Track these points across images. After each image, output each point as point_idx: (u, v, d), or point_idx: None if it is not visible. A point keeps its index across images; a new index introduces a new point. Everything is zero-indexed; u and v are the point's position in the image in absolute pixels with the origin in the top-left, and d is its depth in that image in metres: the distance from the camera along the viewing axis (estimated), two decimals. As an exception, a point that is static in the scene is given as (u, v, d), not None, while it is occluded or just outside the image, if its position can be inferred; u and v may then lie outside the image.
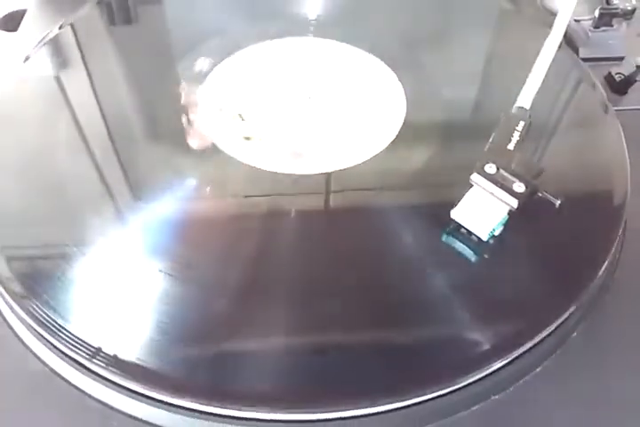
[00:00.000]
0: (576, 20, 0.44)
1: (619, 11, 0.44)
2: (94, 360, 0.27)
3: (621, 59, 0.43)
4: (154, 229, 0.32)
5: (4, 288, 0.30)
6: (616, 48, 0.44)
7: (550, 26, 0.39)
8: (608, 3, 0.45)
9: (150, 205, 0.33)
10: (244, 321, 0.28)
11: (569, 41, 0.43)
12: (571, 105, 0.38)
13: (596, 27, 0.44)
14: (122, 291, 0.29)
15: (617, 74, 0.41)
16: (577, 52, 0.43)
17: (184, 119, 0.37)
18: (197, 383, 0.27)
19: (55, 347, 0.28)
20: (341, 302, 0.29)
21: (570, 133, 0.36)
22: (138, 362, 0.27)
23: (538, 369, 0.29)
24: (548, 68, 0.35)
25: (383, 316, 0.29)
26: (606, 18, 0.44)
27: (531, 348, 0.28)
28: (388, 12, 0.44)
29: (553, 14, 0.45)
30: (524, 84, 0.35)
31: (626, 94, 0.41)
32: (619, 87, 0.41)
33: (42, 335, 0.28)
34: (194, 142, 0.36)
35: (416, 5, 0.45)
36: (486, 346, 0.28)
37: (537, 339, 0.28)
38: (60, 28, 0.42)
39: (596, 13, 0.44)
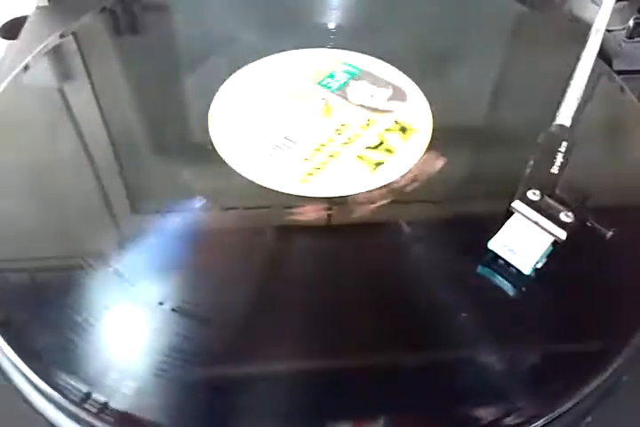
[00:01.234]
0: (608, 31, 0.41)
1: (654, 20, 0.42)
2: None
3: (656, 71, 0.41)
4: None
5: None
6: (651, 60, 0.41)
7: (580, 35, 0.37)
8: (641, 12, 0.43)
9: (149, 223, 0.31)
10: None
11: (601, 52, 0.41)
12: (608, 121, 0.36)
13: (630, 37, 0.42)
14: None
15: (655, 88, 0.39)
16: (610, 63, 0.41)
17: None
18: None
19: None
20: (361, 342, 0.27)
21: (612, 153, 0.34)
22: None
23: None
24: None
25: (406, 355, 0.26)
26: (640, 28, 0.42)
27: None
28: (406, 24, 0.41)
29: (582, 23, 0.44)
30: (556, 97, 0.33)
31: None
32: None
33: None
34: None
35: (440, 16, 0.42)
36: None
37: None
38: (62, 36, 0.40)
39: (631, 23, 0.42)
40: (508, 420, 0.24)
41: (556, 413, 0.25)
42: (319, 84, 0.36)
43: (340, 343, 0.26)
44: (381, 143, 0.33)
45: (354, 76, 0.37)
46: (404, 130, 0.34)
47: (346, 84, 0.36)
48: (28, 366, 0.25)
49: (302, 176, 0.32)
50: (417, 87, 0.36)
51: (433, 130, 0.34)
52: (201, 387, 0.25)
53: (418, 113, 0.35)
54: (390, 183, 0.32)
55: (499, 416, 0.24)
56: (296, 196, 0.31)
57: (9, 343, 0.26)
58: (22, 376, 0.25)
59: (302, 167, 0.32)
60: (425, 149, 0.33)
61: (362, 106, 0.35)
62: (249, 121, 0.34)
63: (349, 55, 0.38)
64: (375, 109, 0.35)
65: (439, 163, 0.32)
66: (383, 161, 0.32)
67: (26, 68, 0.38)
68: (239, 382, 0.26)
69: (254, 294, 0.28)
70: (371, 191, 0.31)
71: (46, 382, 0.24)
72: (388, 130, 0.34)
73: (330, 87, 0.36)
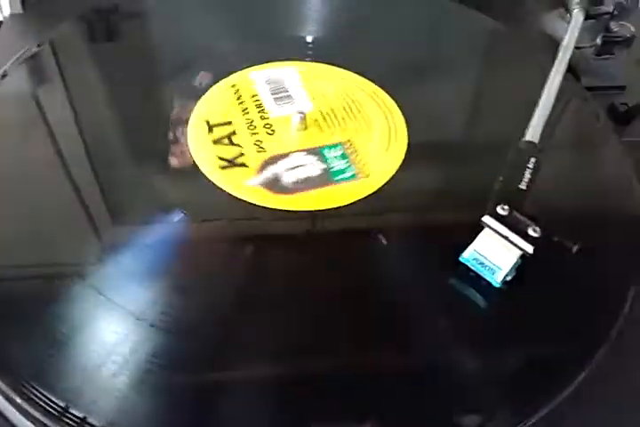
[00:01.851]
0: (577, 48, 0.42)
1: (621, 38, 0.43)
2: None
3: (623, 88, 0.42)
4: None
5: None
6: (618, 76, 0.43)
7: (549, 50, 0.38)
8: (608, 30, 0.44)
9: (129, 233, 0.31)
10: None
11: (570, 69, 0.42)
12: (576, 138, 0.37)
13: (598, 54, 0.43)
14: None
15: (621, 104, 0.40)
16: (579, 80, 0.42)
17: (170, 135, 0.35)
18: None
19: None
20: (333, 352, 0.27)
21: (579, 170, 0.35)
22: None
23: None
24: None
25: (377, 366, 0.27)
26: (608, 46, 0.43)
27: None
28: (384, 38, 0.42)
29: (552, 37, 0.45)
30: (526, 113, 0.34)
31: (629, 125, 0.40)
32: (622, 117, 0.40)
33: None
34: (174, 160, 0.34)
35: (413, 30, 0.43)
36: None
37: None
38: (39, 45, 0.40)
39: (599, 41, 0.43)
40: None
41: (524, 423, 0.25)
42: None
43: (315, 350, 0.27)
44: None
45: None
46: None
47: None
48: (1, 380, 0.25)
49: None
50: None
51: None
52: (179, 398, 0.26)
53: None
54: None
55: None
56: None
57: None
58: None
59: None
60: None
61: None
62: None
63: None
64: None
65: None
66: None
67: (3, 76, 0.37)
68: (219, 393, 0.26)
69: (232, 306, 0.28)
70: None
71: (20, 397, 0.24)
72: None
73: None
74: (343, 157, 0.34)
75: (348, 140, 0.35)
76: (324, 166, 0.33)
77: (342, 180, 0.33)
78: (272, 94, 0.37)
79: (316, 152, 0.34)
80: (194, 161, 0.33)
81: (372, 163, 0.34)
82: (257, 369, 0.27)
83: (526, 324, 0.28)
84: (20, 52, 0.39)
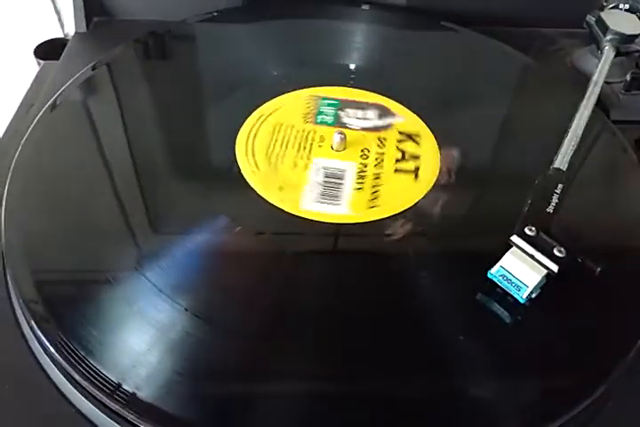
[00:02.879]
0: (607, 83, 0.44)
1: (650, 75, 0.45)
2: (114, 396, 0.26)
3: (650, 122, 0.44)
4: (180, 266, 0.32)
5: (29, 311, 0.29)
6: (646, 112, 0.44)
7: (579, 84, 0.40)
8: (638, 67, 0.46)
9: (179, 242, 0.33)
10: (267, 366, 0.28)
11: (599, 103, 0.44)
12: (602, 167, 0.39)
13: (627, 90, 0.45)
14: (146, 327, 0.29)
15: (648, 138, 0.42)
16: (607, 114, 0.44)
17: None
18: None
19: (74, 380, 0.28)
20: (359, 360, 0.29)
21: (603, 197, 0.37)
22: (155, 403, 0.26)
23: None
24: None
25: (406, 377, 0.29)
26: (637, 82, 0.45)
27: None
28: (423, 70, 0.45)
29: (581, 73, 0.47)
30: (555, 142, 0.36)
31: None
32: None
33: (61, 365, 0.28)
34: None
35: (448, 64, 0.46)
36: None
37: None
38: (94, 68, 0.43)
39: (628, 77, 0.45)
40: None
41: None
42: (317, 122, 0.39)
43: (340, 366, 0.29)
44: (404, 153, 0.37)
45: (338, 107, 0.40)
46: (411, 137, 0.38)
47: (336, 115, 0.40)
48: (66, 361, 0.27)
49: (368, 203, 0.35)
50: (394, 102, 0.40)
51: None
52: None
53: (412, 121, 0.39)
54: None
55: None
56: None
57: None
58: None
59: (363, 196, 0.35)
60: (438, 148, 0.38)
61: (364, 129, 0.39)
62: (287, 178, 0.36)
63: (319, 91, 0.41)
64: (376, 128, 0.39)
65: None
66: (418, 165, 0.37)
67: (61, 95, 0.40)
68: (251, 382, 0.28)
69: (267, 311, 0.31)
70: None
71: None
72: (400, 141, 0.38)
73: (327, 122, 0.39)
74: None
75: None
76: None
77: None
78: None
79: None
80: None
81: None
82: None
83: (549, 338, 0.30)
84: (77, 75, 0.42)
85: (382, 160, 0.37)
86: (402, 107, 0.41)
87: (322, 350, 0.29)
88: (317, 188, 0.35)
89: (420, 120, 0.40)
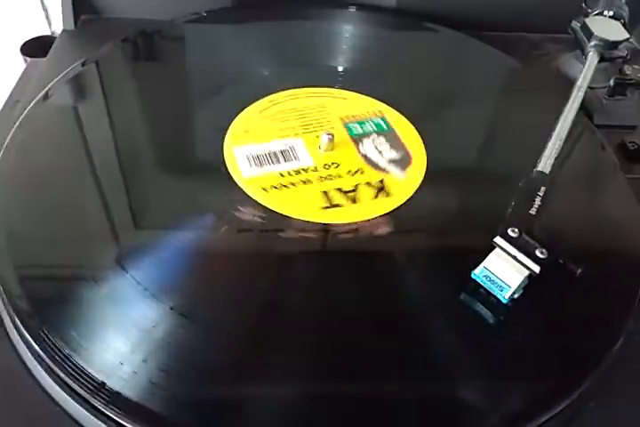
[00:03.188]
0: (591, 88, 0.45)
1: (633, 81, 0.46)
2: (96, 396, 0.26)
3: (634, 127, 0.45)
4: (167, 264, 0.32)
5: (13, 307, 0.29)
6: (629, 116, 0.45)
7: (564, 89, 0.41)
8: (622, 73, 0.47)
9: (164, 240, 0.33)
10: (253, 366, 0.28)
11: (583, 107, 0.44)
12: (585, 171, 0.40)
13: (611, 95, 0.46)
14: (130, 325, 0.29)
15: (630, 142, 0.42)
16: (591, 118, 0.44)
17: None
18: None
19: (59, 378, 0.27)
20: (349, 356, 0.29)
21: (585, 199, 0.37)
22: (140, 401, 0.26)
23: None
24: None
25: (389, 374, 0.29)
26: (621, 87, 0.45)
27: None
28: (408, 71, 0.45)
29: (566, 78, 0.47)
30: (540, 145, 0.36)
31: (638, 163, 0.42)
32: (631, 155, 0.42)
33: (45, 363, 0.28)
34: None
35: (433, 66, 0.46)
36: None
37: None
38: (83, 64, 0.43)
39: (612, 82, 0.45)
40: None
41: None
42: (346, 125, 0.40)
43: (324, 365, 0.29)
44: (352, 191, 0.36)
45: (380, 131, 0.40)
46: (380, 190, 0.36)
47: (367, 134, 0.39)
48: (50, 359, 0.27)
49: (266, 186, 0.35)
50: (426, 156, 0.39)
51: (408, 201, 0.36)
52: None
53: (406, 184, 0.36)
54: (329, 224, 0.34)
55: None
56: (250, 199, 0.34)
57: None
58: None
59: (274, 180, 0.36)
60: (387, 212, 0.35)
61: (365, 157, 0.38)
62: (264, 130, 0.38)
63: (389, 111, 0.41)
64: (373, 164, 0.38)
65: (383, 230, 0.35)
66: (341, 205, 0.35)
67: (48, 92, 0.40)
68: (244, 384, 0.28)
69: (253, 309, 0.31)
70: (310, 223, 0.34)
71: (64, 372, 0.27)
72: (368, 184, 0.36)
73: (352, 131, 0.39)
74: (360, 123, 0.40)
75: (343, 117, 0.39)
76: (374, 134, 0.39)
77: (387, 125, 0.39)
78: (279, 163, 0.37)
79: (357, 138, 0.39)
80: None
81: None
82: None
83: (530, 337, 0.30)
84: (66, 71, 0.42)
85: (331, 179, 0.36)
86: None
87: (306, 349, 0.29)
88: (262, 150, 0.37)
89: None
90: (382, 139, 0.39)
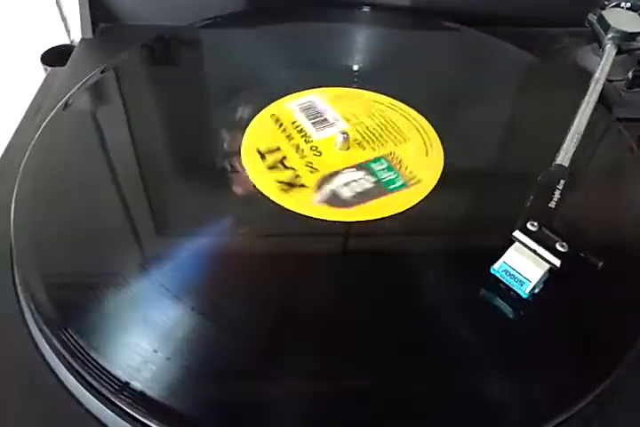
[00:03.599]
0: (609, 81, 0.44)
1: (652, 73, 0.45)
2: (120, 396, 0.27)
3: (653, 120, 0.44)
4: (189, 267, 0.32)
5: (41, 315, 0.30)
6: (648, 109, 0.44)
7: (582, 82, 0.40)
8: (640, 65, 0.46)
9: (187, 244, 0.33)
10: (277, 365, 0.28)
11: (602, 100, 0.44)
12: (606, 164, 0.39)
13: (629, 87, 0.45)
14: (154, 326, 0.29)
15: (650, 135, 0.42)
16: (610, 111, 0.44)
17: (227, 165, 0.37)
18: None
19: (83, 378, 0.28)
20: (368, 355, 0.29)
21: (606, 192, 0.37)
22: (163, 401, 0.27)
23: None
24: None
25: (408, 372, 0.29)
26: (639, 79, 0.45)
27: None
28: (423, 67, 0.45)
29: (584, 71, 0.47)
30: (558, 139, 0.36)
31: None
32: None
33: (71, 365, 0.28)
34: (237, 188, 0.36)
35: (450, 62, 0.46)
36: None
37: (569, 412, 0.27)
38: (102, 72, 0.43)
39: (630, 75, 0.45)
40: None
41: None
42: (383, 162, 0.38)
43: (345, 363, 0.29)
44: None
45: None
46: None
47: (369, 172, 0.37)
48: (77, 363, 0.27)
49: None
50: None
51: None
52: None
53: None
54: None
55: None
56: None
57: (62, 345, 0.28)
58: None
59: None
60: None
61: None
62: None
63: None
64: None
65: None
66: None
67: (69, 100, 0.41)
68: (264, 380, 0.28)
69: (268, 305, 0.31)
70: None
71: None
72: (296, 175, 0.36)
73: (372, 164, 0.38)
74: (389, 168, 0.37)
75: (390, 153, 0.38)
76: (374, 179, 0.36)
77: (395, 189, 0.36)
78: (310, 120, 0.40)
79: (364, 167, 0.37)
80: (256, 187, 0.36)
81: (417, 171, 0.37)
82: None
83: (551, 332, 0.30)
84: (86, 78, 0.42)
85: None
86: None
87: (326, 347, 0.29)
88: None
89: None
90: (368, 185, 0.36)
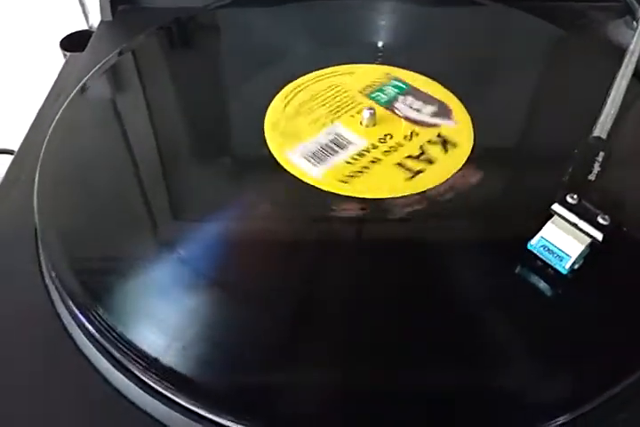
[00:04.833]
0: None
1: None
2: (148, 373, 0.26)
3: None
4: (213, 248, 0.32)
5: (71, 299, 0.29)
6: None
7: (614, 56, 0.39)
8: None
9: (208, 225, 0.33)
10: (307, 348, 0.28)
11: (636, 75, 0.42)
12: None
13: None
14: (180, 306, 0.29)
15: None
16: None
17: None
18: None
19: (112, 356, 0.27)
20: (398, 339, 0.28)
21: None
22: (191, 377, 0.26)
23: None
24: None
25: (445, 357, 0.28)
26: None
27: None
28: (451, 42, 0.44)
29: (616, 45, 0.45)
30: (592, 113, 0.35)
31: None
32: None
33: (101, 345, 0.28)
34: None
35: (480, 37, 0.45)
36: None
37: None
38: (120, 54, 0.43)
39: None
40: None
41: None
42: (370, 96, 0.39)
43: (376, 350, 0.28)
44: (422, 154, 0.35)
45: (402, 92, 0.39)
46: (445, 143, 0.36)
47: (394, 98, 0.39)
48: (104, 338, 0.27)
49: (343, 177, 0.34)
50: (461, 104, 0.38)
51: (474, 146, 0.36)
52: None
53: (460, 129, 0.37)
54: (427, 190, 0.33)
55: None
56: (335, 195, 0.33)
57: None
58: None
59: (345, 169, 0.34)
60: (464, 163, 0.35)
61: (407, 119, 0.37)
62: (299, 128, 0.37)
63: (398, 71, 0.41)
64: (420, 123, 0.37)
65: (476, 176, 0.34)
66: (423, 169, 0.34)
67: (86, 83, 0.40)
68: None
69: (295, 289, 0.30)
70: (408, 196, 0.33)
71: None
72: (430, 142, 0.36)
73: (379, 100, 0.39)
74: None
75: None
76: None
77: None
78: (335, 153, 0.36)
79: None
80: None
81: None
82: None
83: (593, 312, 0.29)
84: (103, 61, 0.42)
85: (395, 150, 0.35)
86: (435, 83, 0.40)
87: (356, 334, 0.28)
88: (314, 147, 0.36)
89: (454, 97, 0.39)
90: (410, 98, 0.39)
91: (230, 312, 0.29)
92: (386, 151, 0.35)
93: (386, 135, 0.36)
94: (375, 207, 0.33)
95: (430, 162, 0.35)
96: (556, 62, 0.43)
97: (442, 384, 0.27)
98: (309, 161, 0.35)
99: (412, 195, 0.33)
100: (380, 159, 0.35)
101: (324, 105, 0.38)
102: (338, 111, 0.38)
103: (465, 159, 0.35)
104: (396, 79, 0.40)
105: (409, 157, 0.35)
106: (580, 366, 0.28)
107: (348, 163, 0.35)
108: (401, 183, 0.34)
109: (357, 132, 0.37)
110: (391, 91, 0.39)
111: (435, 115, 0.38)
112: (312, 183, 0.34)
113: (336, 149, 0.36)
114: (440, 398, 0.26)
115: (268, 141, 0.36)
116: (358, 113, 0.38)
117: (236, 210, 0.33)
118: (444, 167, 0.35)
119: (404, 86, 0.40)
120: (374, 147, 0.36)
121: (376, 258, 0.31)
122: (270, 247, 0.32)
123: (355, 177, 0.34)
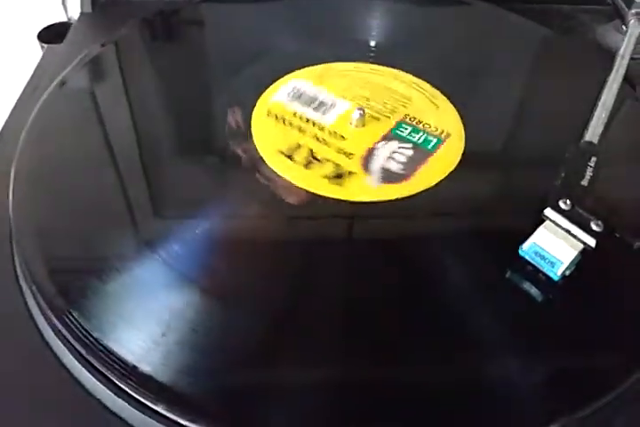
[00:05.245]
0: (633, 59, 0.43)
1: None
2: (127, 381, 0.25)
3: (678, 99, 0.42)
4: (194, 248, 0.31)
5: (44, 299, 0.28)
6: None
7: (604, 60, 0.39)
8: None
9: (187, 224, 0.32)
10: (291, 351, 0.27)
11: (626, 78, 0.42)
12: (633, 140, 0.37)
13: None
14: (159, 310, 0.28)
15: (677, 113, 0.40)
16: (633, 88, 0.42)
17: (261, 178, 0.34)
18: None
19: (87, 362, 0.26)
20: (388, 340, 0.28)
21: (635, 171, 0.35)
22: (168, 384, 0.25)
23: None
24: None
25: (433, 358, 0.27)
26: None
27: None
28: (439, 44, 0.43)
29: (606, 49, 0.45)
30: (582, 117, 0.34)
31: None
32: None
33: (74, 348, 0.27)
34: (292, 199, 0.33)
35: (470, 37, 0.44)
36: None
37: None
38: (103, 45, 0.41)
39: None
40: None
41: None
42: (399, 122, 0.36)
43: (366, 351, 0.27)
44: (318, 160, 0.34)
45: (417, 146, 0.35)
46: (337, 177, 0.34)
47: (404, 140, 0.36)
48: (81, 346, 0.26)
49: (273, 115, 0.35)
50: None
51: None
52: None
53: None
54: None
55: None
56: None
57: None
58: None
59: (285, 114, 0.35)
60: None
61: (370, 151, 0.35)
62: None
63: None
64: (367, 160, 0.35)
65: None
66: (295, 162, 0.34)
67: (66, 76, 0.39)
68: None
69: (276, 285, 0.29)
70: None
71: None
72: (336, 165, 0.34)
73: (396, 129, 0.36)
74: (415, 131, 0.36)
75: (405, 116, 0.37)
76: (410, 144, 0.35)
77: (435, 147, 0.35)
78: (309, 107, 0.37)
79: (392, 136, 0.36)
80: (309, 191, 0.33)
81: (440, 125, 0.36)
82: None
83: (583, 318, 0.28)
84: (84, 53, 0.41)
85: (322, 141, 0.35)
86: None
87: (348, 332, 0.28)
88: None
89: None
90: (410, 152, 0.35)
91: (211, 316, 0.27)
92: (318, 137, 0.35)
93: (342, 136, 0.36)
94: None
95: (306, 167, 0.34)
96: (545, 66, 0.43)
97: (430, 393, 0.26)
98: (291, 91, 0.37)
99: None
100: (304, 132, 0.35)
101: (365, 88, 0.38)
102: (368, 103, 0.38)
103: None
104: (440, 139, 0.36)
105: (311, 150, 0.34)
106: (571, 372, 0.27)
107: (294, 115, 0.36)
108: (274, 151, 0.34)
109: (339, 118, 0.36)
110: (416, 139, 0.36)
111: (384, 170, 0.34)
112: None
113: (313, 105, 0.37)
114: (428, 407, 0.26)
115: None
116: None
117: (217, 209, 0.32)
118: (305, 178, 0.33)
119: (430, 148, 0.35)
120: (321, 129, 0.36)
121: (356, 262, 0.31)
122: (246, 247, 0.31)
123: (276, 120, 0.36)
